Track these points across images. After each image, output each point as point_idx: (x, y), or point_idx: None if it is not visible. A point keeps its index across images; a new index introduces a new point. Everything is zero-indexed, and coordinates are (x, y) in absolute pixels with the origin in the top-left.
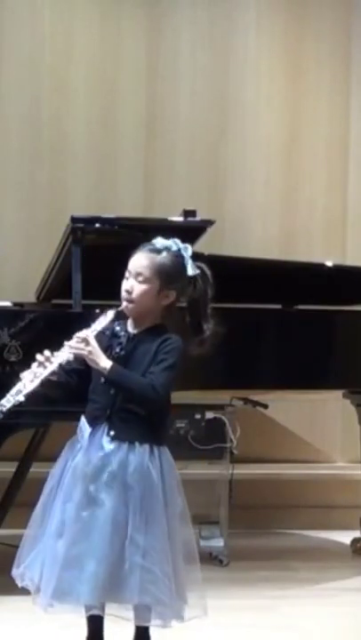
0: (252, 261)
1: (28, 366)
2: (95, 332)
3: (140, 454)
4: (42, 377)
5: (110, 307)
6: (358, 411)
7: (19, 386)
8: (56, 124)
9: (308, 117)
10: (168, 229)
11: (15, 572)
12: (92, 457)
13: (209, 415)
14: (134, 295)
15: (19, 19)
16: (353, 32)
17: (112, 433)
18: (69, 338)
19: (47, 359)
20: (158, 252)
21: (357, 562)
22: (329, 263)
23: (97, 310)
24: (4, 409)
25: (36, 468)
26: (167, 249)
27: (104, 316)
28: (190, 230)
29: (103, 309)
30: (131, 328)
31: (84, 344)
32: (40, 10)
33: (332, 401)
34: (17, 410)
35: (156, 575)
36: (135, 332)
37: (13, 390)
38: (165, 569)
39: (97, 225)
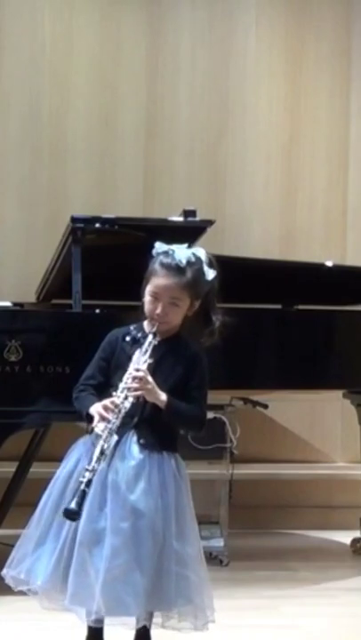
0: (252, 261)
1: (28, 366)
2: (147, 364)
3: (168, 463)
4: (116, 428)
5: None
6: (358, 411)
7: (101, 445)
8: (56, 123)
9: (308, 117)
10: (168, 229)
11: (8, 574)
12: (120, 465)
13: (209, 415)
14: (169, 319)
15: (19, 19)
16: (353, 32)
17: (142, 441)
18: (70, 339)
19: (116, 406)
20: (184, 270)
21: (357, 562)
22: (329, 263)
23: (97, 310)
24: (96, 472)
25: (35, 468)
26: (190, 263)
27: (149, 343)
28: (190, 230)
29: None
30: (153, 343)
31: (144, 383)
32: (40, 10)
33: (333, 401)
34: (17, 410)
35: (193, 581)
36: (160, 339)
37: (97, 452)
38: (200, 574)
39: (97, 225)
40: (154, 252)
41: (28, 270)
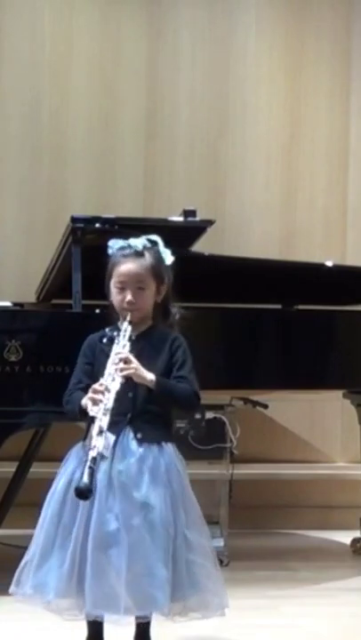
0: (252, 261)
1: (27, 366)
2: (127, 348)
3: (168, 453)
4: (110, 407)
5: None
6: (358, 411)
7: (97, 424)
8: (56, 123)
9: (308, 117)
10: (168, 229)
11: (17, 593)
12: (122, 464)
13: (209, 415)
14: (139, 304)
15: (19, 19)
16: (353, 31)
17: (139, 435)
18: (70, 339)
19: (106, 388)
20: (142, 254)
21: (357, 562)
22: (329, 263)
23: (97, 310)
24: (100, 449)
25: (36, 468)
26: (146, 247)
27: (124, 330)
28: (190, 230)
29: (105, 316)
30: (128, 329)
31: (128, 363)
32: (40, 10)
33: (333, 401)
34: (17, 410)
35: (208, 569)
36: (136, 333)
37: (95, 431)
38: (214, 561)
39: (97, 225)
40: (110, 250)
41: (28, 270)
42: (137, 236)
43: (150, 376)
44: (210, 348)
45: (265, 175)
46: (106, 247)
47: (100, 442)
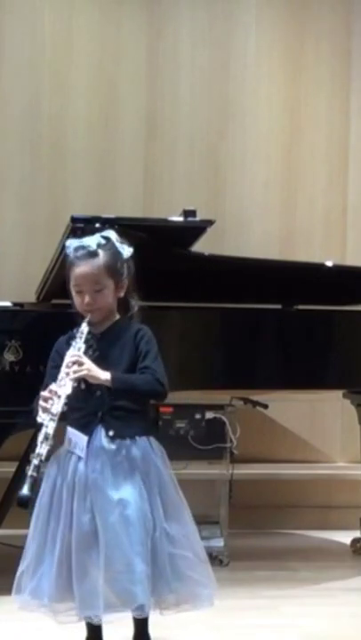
0: (252, 261)
1: (27, 366)
2: (83, 350)
3: (142, 447)
4: (58, 413)
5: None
6: (358, 411)
7: (43, 431)
8: (56, 123)
9: (308, 117)
10: (168, 229)
11: (17, 600)
12: (96, 462)
13: (209, 415)
14: (98, 305)
15: (19, 19)
16: (353, 31)
17: (111, 433)
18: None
19: (55, 394)
20: (96, 253)
21: (357, 562)
22: (329, 263)
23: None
24: (43, 457)
25: None
26: (100, 245)
27: (81, 332)
28: (190, 230)
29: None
30: (90, 327)
31: (80, 365)
32: (40, 10)
33: (332, 401)
34: (17, 410)
35: (192, 560)
36: (101, 330)
37: (40, 437)
38: (197, 552)
39: (97, 225)
40: (67, 250)
41: (28, 270)
42: (91, 234)
43: (104, 375)
44: (210, 348)
45: (265, 175)
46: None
47: (44, 449)
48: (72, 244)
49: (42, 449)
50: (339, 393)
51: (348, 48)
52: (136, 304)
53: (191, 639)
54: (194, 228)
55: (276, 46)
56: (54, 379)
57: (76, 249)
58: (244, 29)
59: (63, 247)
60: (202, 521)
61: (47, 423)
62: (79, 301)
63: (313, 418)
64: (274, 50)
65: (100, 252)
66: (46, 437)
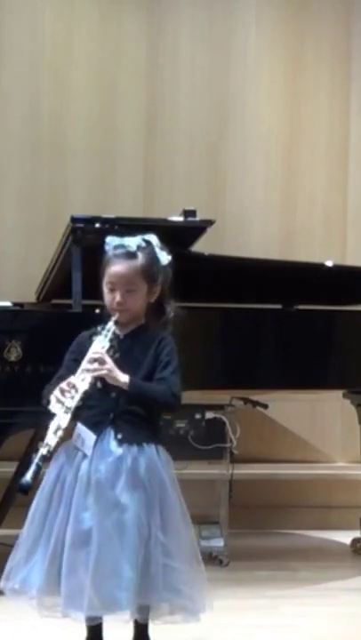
0: (252, 261)
1: (28, 366)
2: (106, 348)
3: (148, 455)
4: (72, 408)
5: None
6: (358, 411)
7: (55, 422)
8: (56, 123)
9: (308, 117)
10: (168, 229)
11: (6, 586)
12: (101, 463)
13: (209, 415)
14: (128, 306)
15: (19, 19)
16: (353, 31)
17: (119, 436)
18: (70, 341)
19: (73, 387)
20: (135, 255)
21: (357, 562)
22: (329, 263)
23: (97, 310)
24: (51, 448)
25: None
26: (140, 248)
27: (107, 330)
28: (190, 230)
29: (102, 315)
30: (115, 327)
31: (102, 364)
32: (40, 10)
33: (332, 401)
34: (17, 410)
35: (180, 571)
36: (125, 332)
37: (52, 428)
38: (190, 564)
39: (97, 225)
40: (106, 246)
41: (28, 270)
42: (133, 235)
43: (124, 378)
44: (210, 347)
45: (265, 175)
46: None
47: (53, 440)
48: (112, 241)
49: (51, 440)
50: (339, 393)
51: (348, 48)
52: (171, 311)
53: (191, 639)
54: (194, 228)
55: (276, 46)
56: (70, 370)
57: (116, 247)
58: (244, 29)
59: (63, 247)
60: (202, 521)
61: (61, 415)
62: (110, 299)
63: (313, 418)
64: (274, 50)
65: (139, 254)
66: (58, 428)
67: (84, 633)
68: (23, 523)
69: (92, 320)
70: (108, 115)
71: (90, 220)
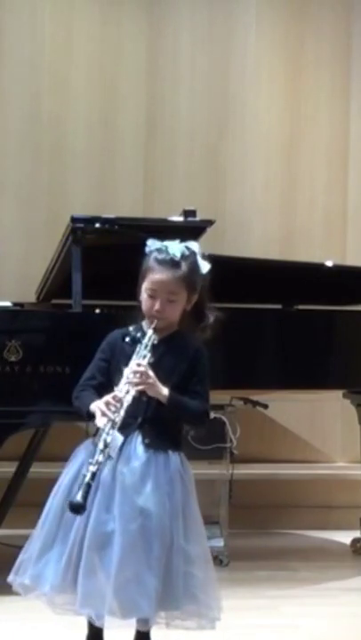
0: (252, 261)
1: (27, 366)
2: (147, 358)
3: (174, 462)
4: (119, 421)
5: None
6: (358, 411)
7: (103, 438)
8: (56, 123)
9: (308, 117)
10: (168, 229)
11: (15, 581)
12: (126, 467)
13: None
14: (167, 314)
15: (19, 19)
16: (353, 32)
17: (147, 441)
18: (70, 339)
19: (119, 401)
20: (179, 264)
21: (357, 562)
22: (329, 263)
23: (97, 310)
24: (101, 465)
25: (36, 468)
26: (184, 256)
27: (148, 338)
28: (190, 230)
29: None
30: (152, 338)
31: (145, 377)
32: (40, 10)
33: (332, 401)
34: (17, 410)
35: (199, 579)
36: (160, 337)
37: (100, 445)
38: (207, 572)
39: (97, 225)
40: (147, 249)
41: (28, 270)
42: (175, 240)
43: (165, 391)
44: (210, 348)
45: (265, 175)
46: (106, 247)
47: (102, 457)
48: (154, 244)
49: (100, 457)
50: (339, 393)
51: (348, 48)
52: (212, 316)
53: (191, 639)
54: (194, 228)
55: (276, 46)
56: (101, 372)
57: (160, 251)
58: (244, 29)
59: (63, 247)
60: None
61: (108, 430)
62: (149, 305)
63: (313, 418)
64: (274, 50)
65: (183, 263)
66: (105, 445)
67: (84, 632)
68: (23, 523)
69: (93, 320)
70: (108, 115)
71: (90, 220)
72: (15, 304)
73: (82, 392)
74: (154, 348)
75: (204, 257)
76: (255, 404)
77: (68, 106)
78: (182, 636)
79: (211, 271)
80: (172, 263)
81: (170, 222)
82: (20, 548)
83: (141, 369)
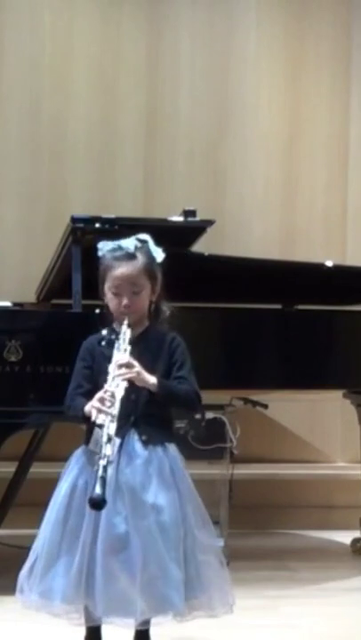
0: (252, 261)
1: (27, 366)
2: (128, 351)
3: (172, 454)
4: (117, 414)
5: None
6: (358, 411)
7: (106, 433)
8: (56, 123)
9: (308, 117)
10: (168, 229)
11: (24, 599)
12: (128, 467)
13: (209, 415)
14: (136, 307)
15: (19, 19)
16: (353, 32)
17: (144, 438)
18: (70, 339)
19: (112, 395)
20: (134, 256)
21: (357, 562)
22: (329, 263)
23: (97, 310)
24: (110, 458)
25: (36, 468)
26: (137, 248)
27: (124, 333)
28: (190, 230)
29: (103, 319)
30: (128, 332)
31: (130, 367)
32: (40, 10)
33: (332, 401)
34: (17, 410)
35: (217, 567)
36: (135, 334)
37: (104, 439)
38: (220, 558)
39: (97, 225)
40: (99, 252)
41: (28, 270)
42: (126, 236)
43: (152, 379)
44: (210, 347)
45: (265, 175)
46: None
47: (109, 449)
48: (106, 245)
49: (107, 450)
50: (339, 393)
51: (348, 48)
52: (168, 309)
53: (191, 639)
54: (194, 228)
55: (276, 46)
56: (87, 379)
57: (113, 250)
58: (244, 30)
59: (63, 247)
60: None
61: (108, 424)
62: (116, 303)
63: (313, 418)
64: (274, 50)
65: (138, 254)
66: (109, 438)
67: (82, 633)
68: (23, 523)
69: (93, 320)
70: (108, 115)
71: (90, 220)
72: (15, 304)
73: (72, 402)
74: (132, 346)
75: (158, 246)
76: (255, 403)
77: (68, 106)
78: (182, 636)
79: (211, 271)
80: (129, 256)
81: (170, 222)
82: (19, 548)
83: (125, 360)
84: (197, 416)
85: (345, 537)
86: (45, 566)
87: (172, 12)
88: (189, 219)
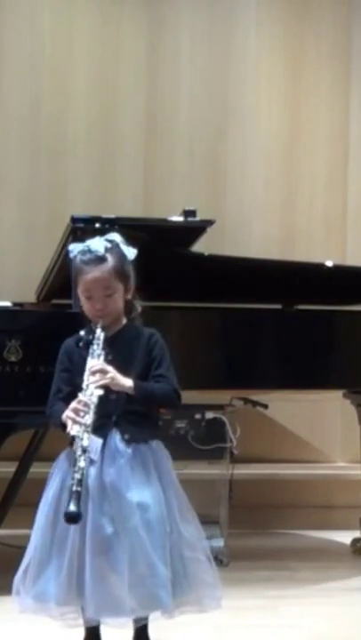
0: (252, 261)
1: (27, 366)
2: (102, 357)
3: (155, 451)
4: (91, 424)
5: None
6: (358, 411)
7: (79, 444)
8: (56, 123)
9: (308, 117)
10: (168, 229)
11: (20, 603)
12: (111, 466)
13: (209, 415)
14: (110, 310)
15: (19, 18)
16: (353, 32)
17: (126, 436)
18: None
19: (85, 405)
20: (104, 258)
21: (357, 562)
22: (329, 263)
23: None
24: (84, 470)
25: (36, 468)
26: (107, 249)
27: (97, 338)
28: (190, 230)
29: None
30: (101, 337)
31: (105, 373)
32: (40, 10)
33: (332, 401)
34: (17, 410)
35: (203, 563)
36: (111, 333)
37: (78, 451)
38: (208, 554)
39: (97, 225)
40: (70, 255)
41: (28, 270)
42: (93, 236)
43: (128, 382)
44: (210, 347)
45: (265, 175)
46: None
47: (84, 462)
48: (76, 248)
49: (82, 462)
50: (339, 393)
51: (348, 48)
52: (139, 306)
53: (191, 639)
54: (194, 228)
55: (276, 46)
56: (66, 382)
57: (83, 253)
58: (244, 29)
59: (63, 247)
60: (202, 521)
61: (82, 435)
62: (89, 307)
63: (313, 418)
64: (274, 50)
65: (108, 256)
66: (84, 450)
67: (81, 633)
68: (23, 523)
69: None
70: (108, 115)
71: (90, 220)
72: (15, 304)
73: (52, 407)
74: (109, 345)
75: (128, 244)
76: (255, 403)
77: (68, 106)
78: (182, 636)
79: (211, 271)
80: (98, 259)
81: (170, 222)
82: (20, 548)
83: (97, 367)
84: (197, 416)
85: (345, 537)
86: (37, 570)
87: (172, 12)
88: (189, 219)
